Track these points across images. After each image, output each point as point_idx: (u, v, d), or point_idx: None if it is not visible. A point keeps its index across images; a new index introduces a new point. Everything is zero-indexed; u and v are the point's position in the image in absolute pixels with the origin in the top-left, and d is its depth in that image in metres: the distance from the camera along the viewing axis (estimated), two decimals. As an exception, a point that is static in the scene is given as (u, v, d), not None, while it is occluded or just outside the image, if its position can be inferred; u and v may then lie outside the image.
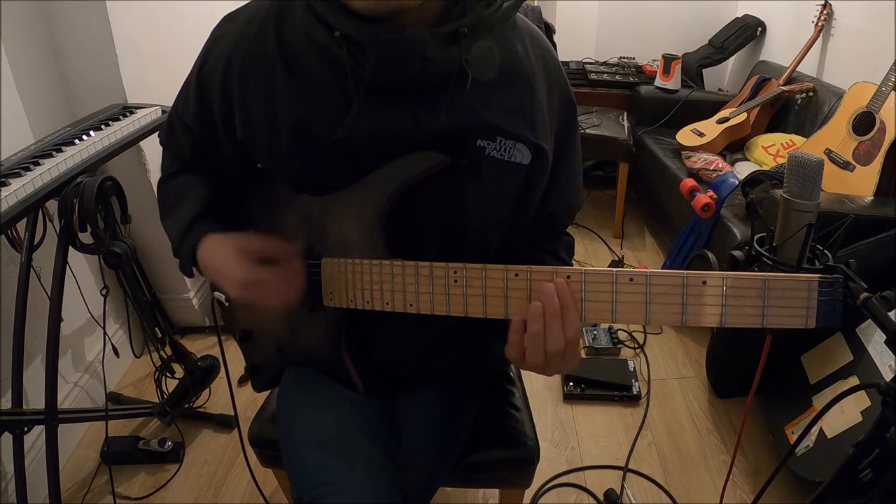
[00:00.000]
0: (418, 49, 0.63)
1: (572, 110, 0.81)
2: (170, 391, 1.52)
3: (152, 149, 1.64)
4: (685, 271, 0.54)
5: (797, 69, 2.42)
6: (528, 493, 1.43)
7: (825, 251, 0.79)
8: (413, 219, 0.74)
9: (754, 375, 0.95)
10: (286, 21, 0.71)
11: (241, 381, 1.78)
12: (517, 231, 0.82)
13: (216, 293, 0.93)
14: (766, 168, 2.08)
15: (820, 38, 2.39)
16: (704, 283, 0.53)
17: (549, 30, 2.77)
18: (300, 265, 0.77)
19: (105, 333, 1.54)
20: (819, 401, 1.40)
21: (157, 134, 1.44)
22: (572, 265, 0.90)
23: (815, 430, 1.33)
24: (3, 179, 1.06)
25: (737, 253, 0.85)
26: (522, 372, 1.14)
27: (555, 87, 0.78)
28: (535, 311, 0.60)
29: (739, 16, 2.94)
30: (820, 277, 0.51)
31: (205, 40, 0.79)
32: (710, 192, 1.96)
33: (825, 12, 2.32)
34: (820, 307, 0.51)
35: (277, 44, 0.71)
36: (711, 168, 2.19)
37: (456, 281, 0.64)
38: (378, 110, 0.69)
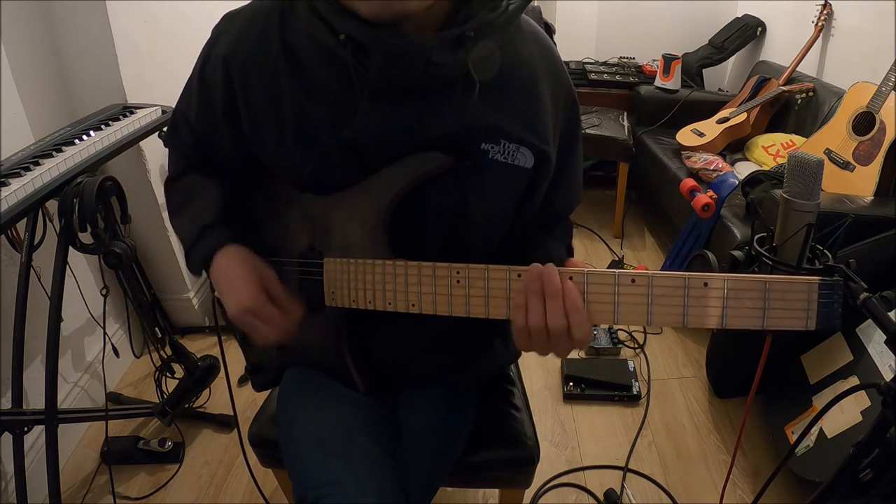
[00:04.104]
0: (423, 52, 0.63)
1: (576, 112, 0.81)
2: (170, 391, 1.52)
3: (152, 149, 1.64)
4: (686, 273, 0.54)
5: (797, 69, 2.42)
6: (528, 493, 1.43)
7: (825, 251, 0.79)
8: (416, 219, 0.74)
9: (754, 375, 0.95)
10: (289, 20, 0.71)
11: (241, 381, 1.78)
12: (518, 231, 0.82)
13: (217, 293, 0.92)
14: (766, 168, 2.08)
15: (820, 38, 2.39)
16: (706, 284, 0.54)
17: (549, 30, 2.77)
18: (299, 315, 0.79)
19: (105, 333, 1.54)
20: (819, 401, 1.40)
21: (157, 134, 1.45)
22: (571, 246, 0.91)
23: (815, 430, 1.33)
24: (3, 179, 1.06)
25: (737, 253, 0.85)
26: (522, 372, 1.14)
27: (559, 90, 0.77)
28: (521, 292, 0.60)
29: (739, 16, 2.94)
30: (820, 280, 0.51)
31: (204, 40, 0.79)
32: (710, 192, 1.97)
33: (825, 12, 2.33)
34: (820, 309, 0.51)
35: (280, 43, 0.71)
36: (711, 168, 2.20)
37: (458, 281, 0.64)
38: (383, 112, 0.69)
